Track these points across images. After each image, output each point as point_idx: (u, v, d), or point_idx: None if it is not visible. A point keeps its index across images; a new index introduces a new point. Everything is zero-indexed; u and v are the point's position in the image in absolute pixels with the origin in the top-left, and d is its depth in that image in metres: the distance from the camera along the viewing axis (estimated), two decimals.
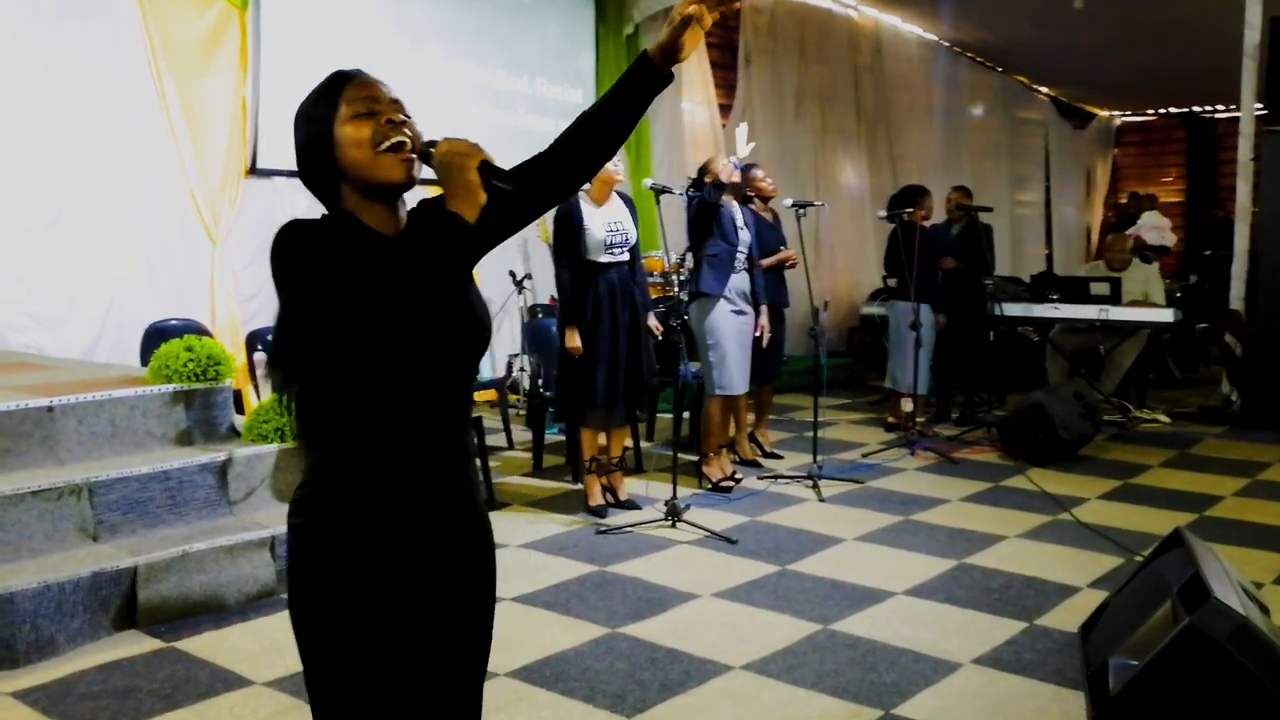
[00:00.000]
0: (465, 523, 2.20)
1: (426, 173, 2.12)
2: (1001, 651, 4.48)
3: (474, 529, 2.23)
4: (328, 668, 2.10)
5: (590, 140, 2.26)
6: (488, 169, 2.03)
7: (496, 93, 9.94)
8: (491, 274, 9.59)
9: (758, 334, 7.23)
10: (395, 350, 2.01)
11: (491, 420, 8.72)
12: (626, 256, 6.43)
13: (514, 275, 9.33)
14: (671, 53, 2.18)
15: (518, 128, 10.01)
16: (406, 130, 2.09)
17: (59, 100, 7.17)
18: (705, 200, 6.87)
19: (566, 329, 6.32)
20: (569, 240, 6.31)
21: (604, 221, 6.31)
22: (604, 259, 6.32)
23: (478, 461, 2.36)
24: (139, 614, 4.61)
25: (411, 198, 2.20)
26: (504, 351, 9.74)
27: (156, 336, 6.43)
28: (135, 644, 4.45)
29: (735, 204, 7.16)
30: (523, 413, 8.85)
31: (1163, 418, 9.84)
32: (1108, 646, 3.97)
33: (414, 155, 2.09)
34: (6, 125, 6.95)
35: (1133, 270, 10.07)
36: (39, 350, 7.06)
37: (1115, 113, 19.51)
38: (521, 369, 9.23)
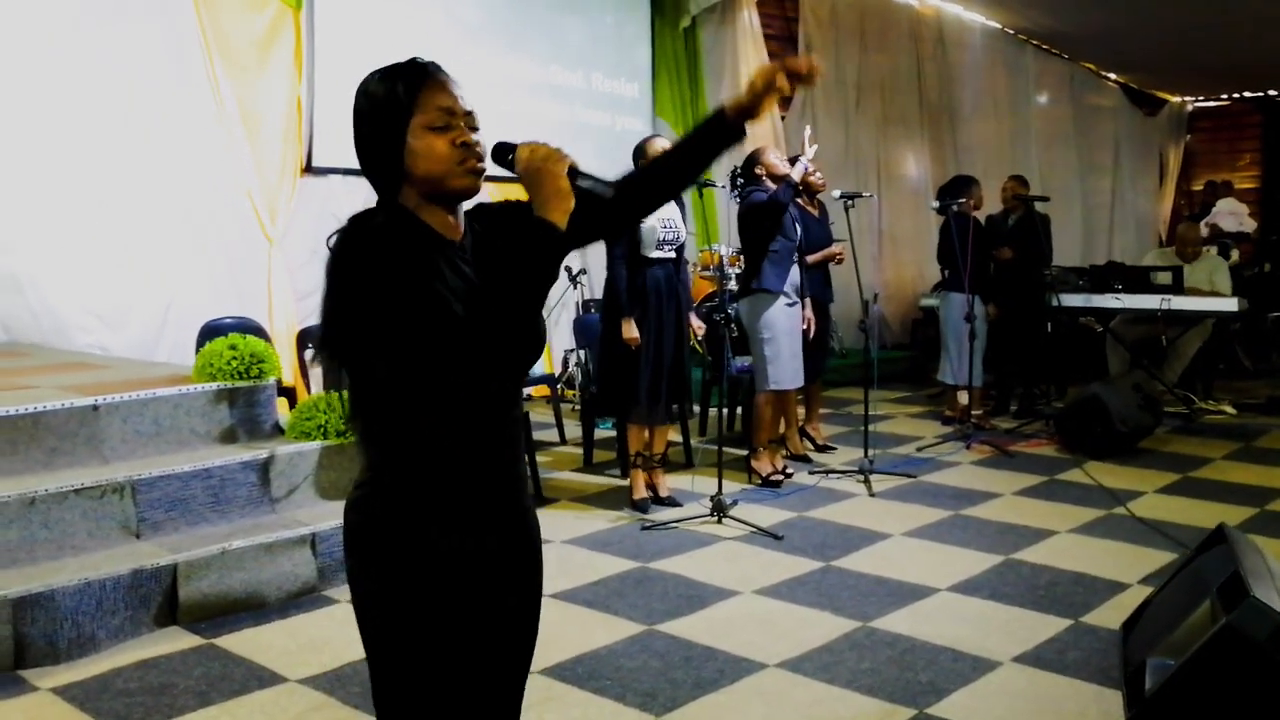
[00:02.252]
0: (518, 520, 2.22)
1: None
2: (1044, 650, 4.40)
3: (525, 527, 2.26)
4: (392, 663, 2.11)
5: (656, 187, 2.35)
6: (575, 173, 2.05)
7: (552, 88, 9.95)
8: None
9: (804, 327, 7.15)
10: (459, 357, 1.99)
11: (544, 415, 8.74)
12: (674, 254, 6.42)
13: (569, 270, 9.33)
14: (748, 112, 2.24)
15: (575, 122, 10.03)
16: (480, 149, 2.09)
17: (118, 101, 7.28)
18: (779, 200, 6.83)
19: (624, 321, 6.31)
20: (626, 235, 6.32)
21: (659, 217, 6.29)
22: (655, 255, 6.32)
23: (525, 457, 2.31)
24: (180, 611, 4.64)
25: None
26: (560, 346, 9.75)
27: (211, 335, 6.44)
28: (175, 641, 4.48)
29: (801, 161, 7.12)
30: (576, 408, 8.83)
31: (1229, 409, 9.65)
32: (1147, 645, 3.88)
33: (483, 167, 2.10)
34: (68, 126, 7.07)
35: (1201, 260, 9.87)
36: (103, 349, 7.18)
37: (1187, 98, 19.12)
38: (576, 364, 9.23)
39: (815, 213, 7.91)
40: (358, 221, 2.03)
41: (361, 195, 2.16)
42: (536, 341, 2.09)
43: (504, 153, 2.12)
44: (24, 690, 4.02)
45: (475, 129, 2.09)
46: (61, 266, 7.12)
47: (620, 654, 4.39)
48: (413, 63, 2.11)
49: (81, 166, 7.13)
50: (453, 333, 1.95)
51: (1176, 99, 18.91)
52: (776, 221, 6.89)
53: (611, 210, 2.27)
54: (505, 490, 2.18)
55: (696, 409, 8.38)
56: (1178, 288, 9.18)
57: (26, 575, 4.34)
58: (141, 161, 7.39)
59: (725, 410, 8.26)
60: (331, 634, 4.45)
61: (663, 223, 6.31)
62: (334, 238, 2.01)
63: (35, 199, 6.99)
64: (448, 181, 2.07)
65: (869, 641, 4.50)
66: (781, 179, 6.97)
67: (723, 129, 2.25)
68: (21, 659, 4.19)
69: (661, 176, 2.35)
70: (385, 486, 2.09)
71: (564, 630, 4.59)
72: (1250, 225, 15.09)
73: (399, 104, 2.06)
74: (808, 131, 7.31)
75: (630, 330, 6.29)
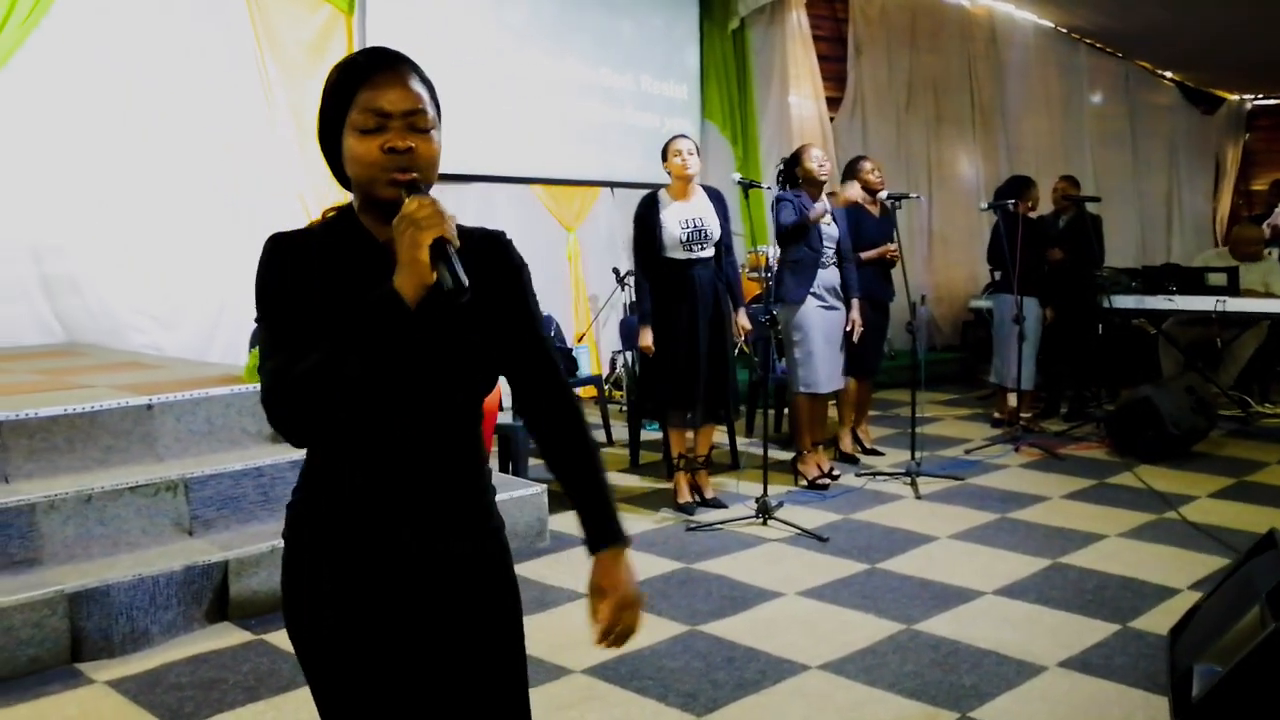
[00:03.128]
0: (470, 539, 2.12)
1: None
2: (1090, 655, 4.37)
3: (481, 546, 2.15)
4: (324, 682, 2.06)
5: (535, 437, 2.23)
6: (441, 249, 1.85)
7: (602, 89, 9.97)
8: (595, 270, 9.67)
9: (848, 329, 7.10)
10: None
11: (591, 417, 8.75)
12: (708, 253, 6.36)
13: (617, 272, 9.36)
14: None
15: (625, 124, 10.08)
16: (413, 160, 1.94)
17: (173, 104, 7.38)
18: (802, 227, 6.80)
19: (640, 328, 6.36)
20: (644, 238, 6.37)
21: (681, 218, 6.28)
22: (683, 256, 6.30)
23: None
24: (230, 607, 4.70)
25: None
26: (607, 348, 9.78)
27: None
28: (226, 636, 4.55)
29: (825, 198, 7.07)
30: (624, 409, 8.86)
31: None
32: (1194, 651, 3.84)
33: (415, 179, 1.94)
34: (124, 129, 7.18)
35: (1259, 261, 9.74)
36: (157, 349, 7.28)
37: (1246, 96, 18.85)
38: (623, 366, 9.26)
39: (875, 211, 7.85)
40: (277, 239, 2.00)
41: None
42: (464, 374, 2.02)
43: (412, 186, 1.95)
44: (80, 683, 4.10)
45: (422, 130, 1.95)
46: (117, 268, 7.23)
47: (663, 654, 4.40)
48: (367, 53, 2.01)
49: (136, 169, 7.23)
50: (267, 363, 1.91)
51: (1234, 97, 18.64)
52: (800, 234, 6.87)
53: (526, 415, 2.20)
54: (452, 508, 2.07)
55: (743, 409, 8.39)
56: (1233, 289, 9.06)
57: (83, 571, 4.43)
58: (196, 163, 7.48)
59: (770, 411, 8.25)
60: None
61: (683, 223, 6.28)
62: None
63: (92, 202, 7.09)
64: (374, 190, 1.95)
65: (912, 644, 4.49)
66: (818, 185, 7.00)
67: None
68: (78, 652, 4.28)
69: (543, 451, 2.22)
70: (315, 501, 2.05)
71: None
72: None
73: (338, 98, 1.97)
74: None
75: (644, 338, 6.34)
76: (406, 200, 1.88)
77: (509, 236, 2.17)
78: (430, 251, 1.83)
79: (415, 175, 1.94)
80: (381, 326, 1.83)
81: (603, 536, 2.12)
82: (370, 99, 1.93)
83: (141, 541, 4.76)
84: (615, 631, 2.10)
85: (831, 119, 11.86)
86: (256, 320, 1.98)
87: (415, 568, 2.04)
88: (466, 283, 1.84)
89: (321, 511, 2.03)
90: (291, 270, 1.95)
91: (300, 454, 2.05)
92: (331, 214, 2.06)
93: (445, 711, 2.11)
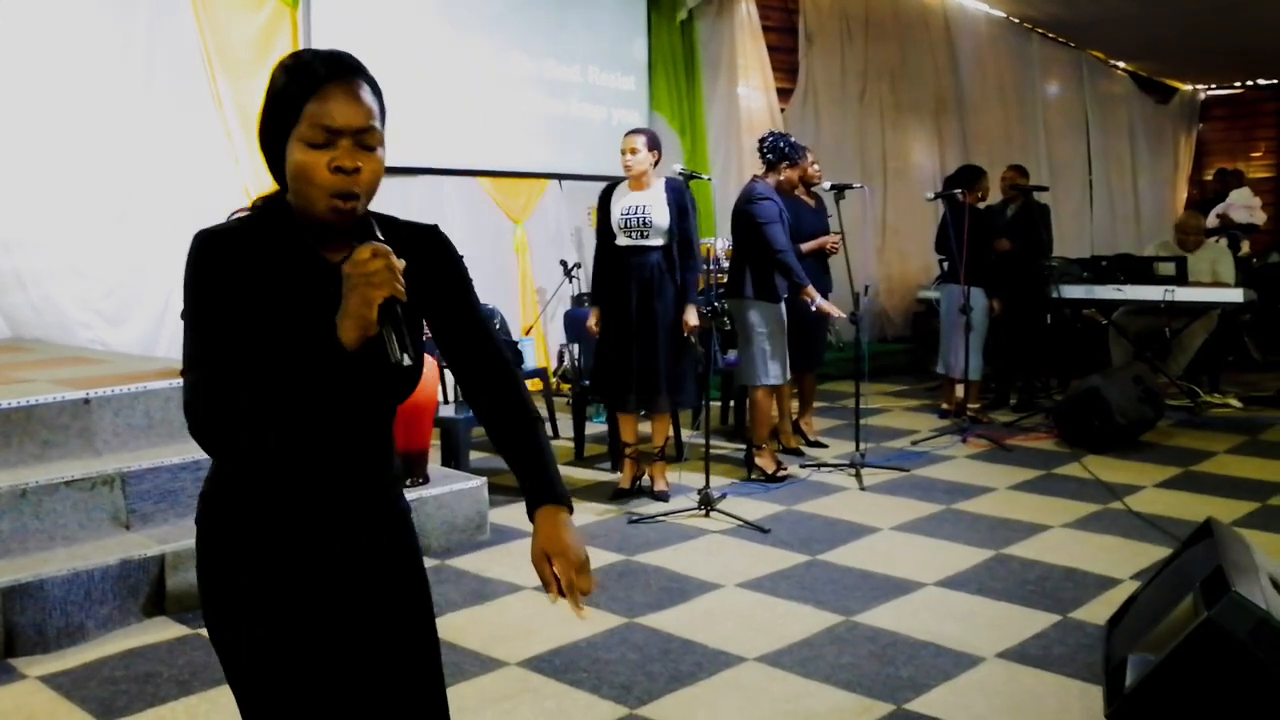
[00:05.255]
0: (378, 527, 2.11)
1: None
2: (1029, 646, 4.38)
3: (390, 533, 2.14)
4: (241, 674, 2.05)
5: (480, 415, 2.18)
6: (390, 311, 1.85)
7: (549, 81, 9.92)
8: (543, 262, 9.63)
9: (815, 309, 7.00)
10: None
11: (539, 409, 8.72)
12: (652, 242, 6.36)
13: (565, 264, 9.34)
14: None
15: (572, 116, 10.04)
16: (359, 182, 1.90)
17: (118, 98, 7.33)
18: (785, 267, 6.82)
19: (591, 309, 6.51)
20: (599, 223, 6.51)
21: (624, 206, 6.34)
22: (624, 243, 6.36)
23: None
24: (167, 601, 4.68)
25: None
26: (555, 341, 9.76)
27: None
28: (162, 630, 4.52)
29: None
30: (570, 401, 8.84)
31: (1234, 402, 9.58)
32: (1129, 641, 3.86)
33: (356, 206, 1.91)
34: (70, 124, 7.12)
35: (1203, 249, 9.80)
36: (103, 344, 7.26)
37: (1199, 86, 19.00)
38: (572, 358, 9.23)
39: (811, 203, 7.87)
40: (206, 236, 1.93)
41: None
42: (387, 382, 1.99)
43: (363, 221, 1.95)
44: (12, 678, 4.07)
45: (369, 148, 1.91)
46: (63, 264, 7.17)
47: (599, 646, 4.39)
48: (322, 60, 1.92)
49: (82, 165, 7.18)
50: (191, 373, 1.87)
51: (1188, 87, 18.79)
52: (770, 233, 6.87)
53: (470, 396, 2.17)
54: (362, 496, 2.08)
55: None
56: (1181, 279, 9.12)
57: (17, 565, 4.40)
58: (142, 159, 7.42)
59: (716, 404, 8.24)
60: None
61: (625, 210, 6.34)
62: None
63: (37, 198, 7.03)
64: (313, 206, 1.91)
65: (850, 636, 4.49)
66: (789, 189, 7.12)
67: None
68: (11, 647, 4.25)
69: (488, 428, 2.17)
70: (227, 489, 2.02)
71: (544, 622, 4.59)
72: (1262, 218, 14.96)
73: (286, 104, 1.90)
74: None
75: (591, 319, 6.53)
76: (359, 249, 1.84)
77: (446, 229, 2.16)
78: (379, 311, 1.83)
79: (356, 203, 1.90)
80: (317, 370, 1.84)
81: (544, 495, 2.06)
82: (320, 113, 1.87)
83: (78, 536, 4.73)
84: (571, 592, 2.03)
85: (783, 110, 11.84)
86: (182, 317, 1.92)
87: (328, 559, 2.03)
88: (407, 360, 1.85)
89: (234, 503, 2.01)
90: (222, 273, 1.90)
91: None
92: (259, 203, 2.01)
93: (361, 701, 2.09)
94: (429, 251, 2.09)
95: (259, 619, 2.00)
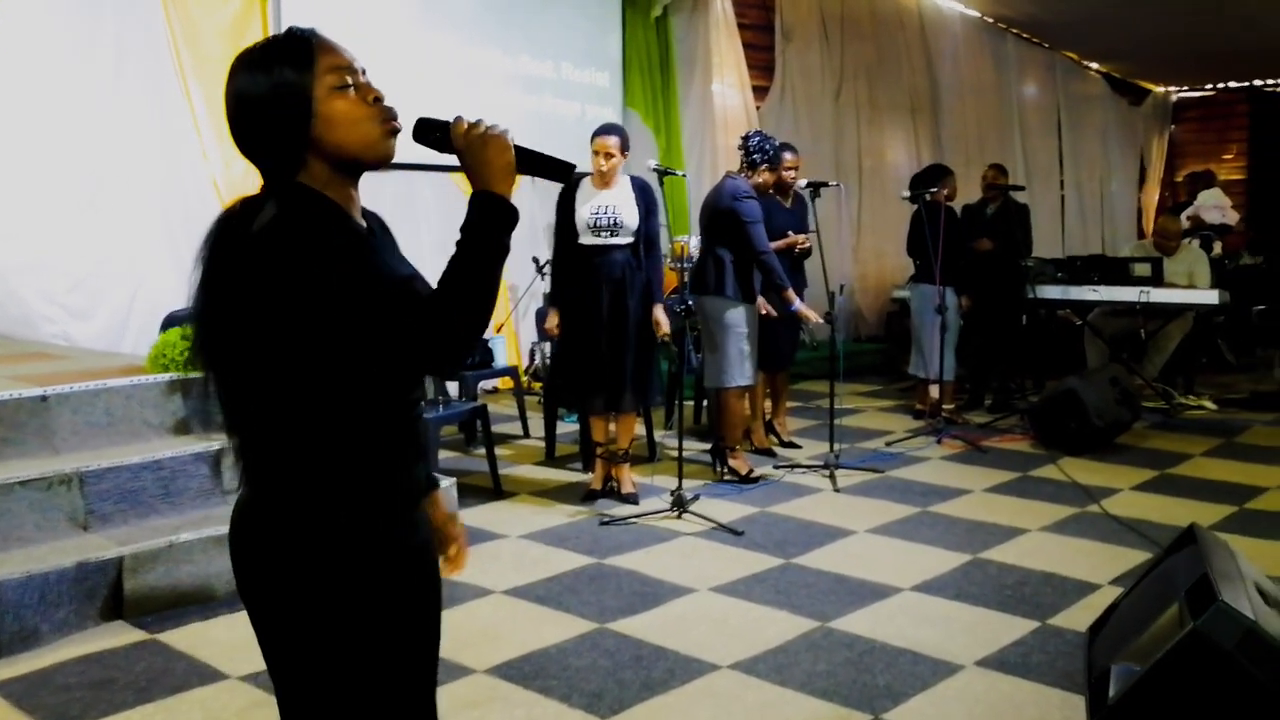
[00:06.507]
0: (425, 519, 2.18)
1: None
2: (1008, 653, 4.30)
3: (429, 526, 2.21)
4: (353, 673, 2.00)
5: None
6: (525, 151, 2.00)
7: (522, 78, 9.85)
8: (514, 259, 9.51)
9: (764, 313, 7.05)
10: (412, 343, 1.88)
11: (508, 407, 8.67)
12: (620, 241, 6.26)
13: (537, 261, 9.24)
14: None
15: (545, 112, 9.97)
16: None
17: (85, 91, 7.26)
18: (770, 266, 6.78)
19: (549, 309, 6.42)
20: (560, 223, 6.38)
21: (593, 205, 6.24)
22: (591, 242, 6.23)
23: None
24: (126, 605, 4.57)
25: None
26: (527, 339, 9.67)
27: (175, 325, 6.38)
28: (120, 635, 4.42)
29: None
30: (542, 400, 8.75)
31: (1209, 404, 9.54)
32: (1112, 650, 3.78)
33: (400, 126, 2.00)
34: (34, 117, 7.04)
35: (1180, 253, 9.78)
36: (68, 339, 7.18)
37: (1172, 88, 19.04)
38: (540, 356, 9.15)
39: (786, 203, 7.79)
40: (250, 207, 1.89)
41: None
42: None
43: (430, 129, 2.00)
44: None
45: (382, 95, 2.02)
46: (26, 257, 7.07)
47: (569, 652, 4.29)
48: (285, 35, 2.01)
49: (47, 156, 7.10)
50: (405, 318, 1.84)
51: (1160, 89, 18.82)
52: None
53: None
54: (418, 483, 2.13)
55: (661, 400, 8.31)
56: (1157, 280, 9.09)
57: None
58: (111, 152, 7.36)
59: (689, 404, 8.17)
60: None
61: (594, 209, 6.23)
62: (220, 225, 1.91)
63: (0, 189, 6.94)
64: (369, 145, 1.97)
65: (826, 642, 4.40)
66: (764, 190, 7.04)
67: None
68: None
69: None
70: (300, 497, 1.94)
71: (513, 628, 4.51)
72: (1234, 218, 15.00)
73: (299, 71, 1.94)
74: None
75: (550, 319, 6.41)
76: (455, 123, 1.97)
77: (419, 225, 2.32)
78: (517, 154, 1.97)
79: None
80: (497, 228, 1.91)
81: None
82: (333, 60, 1.96)
83: (34, 537, 4.61)
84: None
85: (758, 107, 11.79)
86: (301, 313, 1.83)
87: (423, 550, 2.13)
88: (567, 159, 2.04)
89: (346, 504, 1.96)
90: (337, 244, 1.89)
91: (204, 447, 2.00)
92: (280, 196, 1.94)
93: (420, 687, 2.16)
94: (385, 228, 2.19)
95: (378, 627, 2.00)
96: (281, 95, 1.92)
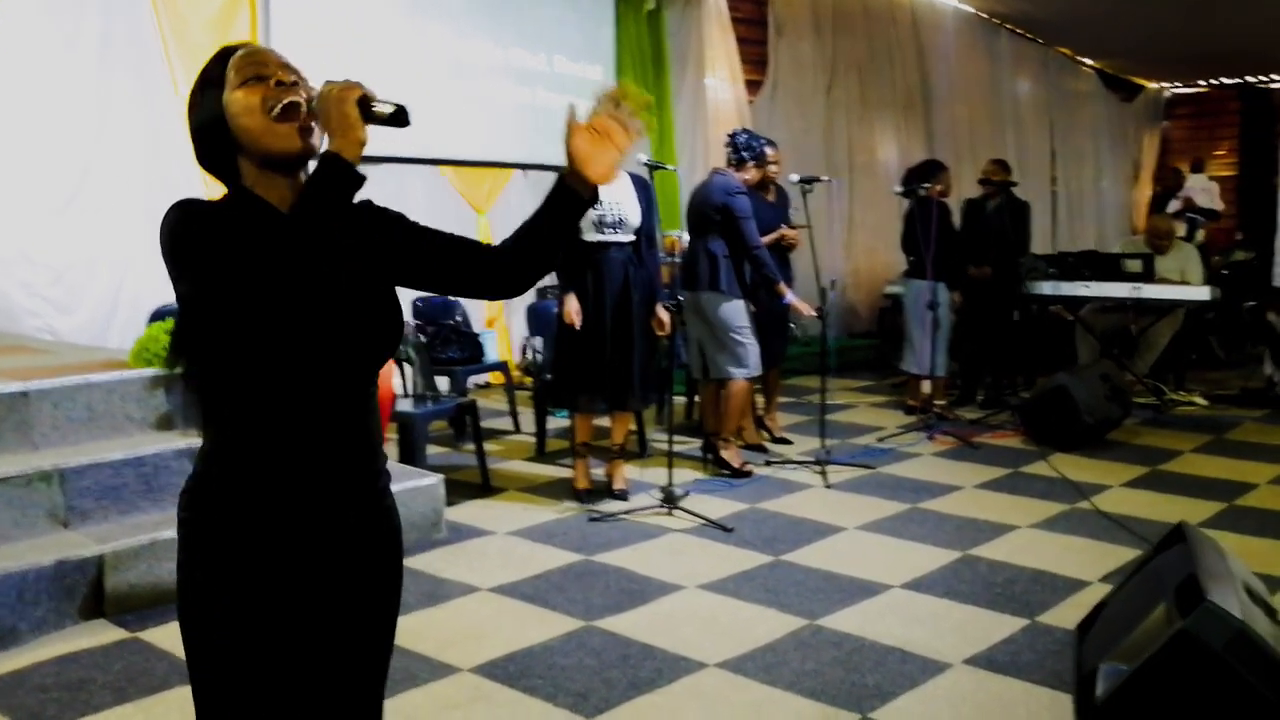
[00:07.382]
0: (369, 520, 2.14)
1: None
2: (997, 651, 4.27)
3: (378, 527, 2.17)
4: (214, 668, 2.04)
5: (532, 259, 2.20)
6: (367, 103, 1.93)
7: (514, 70, 9.79)
8: None
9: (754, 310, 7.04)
10: (285, 336, 1.94)
11: (499, 403, 8.62)
12: (624, 238, 6.19)
13: None
14: (581, 179, 2.13)
15: (537, 106, 9.88)
16: (300, 92, 2.00)
17: (71, 83, 7.20)
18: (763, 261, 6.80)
19: (563, 296, 6.22)
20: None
21: (600, 198, 6.11)
22: (594, 238, 6.13)
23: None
24: (106, 603, 4.52)
25: None
26: (518, 334, 9.62)
27: (161, 320, 6.34)
28: (99, 634, 4.36)
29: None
30: (533, 396, 8.71)
31: (1200, 400, 9.51)
32: (1100, 649, 3.74)
33: (311, 121, 1.99)
34: (20, 110, 6.98)
35: (1173, 252, 9.74)
36: (52, 333, 7.12)
37: (1164, 85, 19.03)
38: (532, 351, 9.10)
39: (770, 198, 7.75)
40: (183, 203, 1.96)
41: None
42: (371, 329, 2.06)
43: (366, 109, 1.99)
44: None
45: (295, 76, 2.03)
46: (9, 250, 7.01)
47: (555, 651, 4.25)
48: (222, 48, 2.07)
49: (37, 149, 7.05)
50: (252, 287, 1.85)
51: (1153, 85, 18.81)
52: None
53: (499, 270, 2.20)
54: (355, 488, 2.10)
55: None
56: (1148, 276, 9.06)
57: None
58: (94, 144, 7.30)
59: (681, 399, 8.13)
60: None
61: (603, 204, 6.13)
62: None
63: None
64: (271, 139, 1.99)
65: (814, 641, 4.36)
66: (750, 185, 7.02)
67: (569, 196, 2.15)
68: None
69: (524, 254, 2.19)
70: (216, 480, 2.03)
71: (498, 626, 4.47)
72: (1221, 204, 15.01)
73: (214, 77, 2.03)
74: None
75: (570, 303, 6.13)
76: (320, 89, 1.95)
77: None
78: (358, 107, 1.91)
79: (299, 111, 1.99)
80: (325, 186, 1.87)
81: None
82: (244, 60, 2.01)
83: (12, 534, 4.55)
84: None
85: (751, 102, 11.74)
86: (183, 278, 1.92)
87: (314, 552, 2.05)
88: (391, 108, 1.96)
89: (222, 492, 2.01)
90: (213, 231, 1.92)
91: (187, 443, 2.03)
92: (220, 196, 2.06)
93: (306, 694, 2.11)
94: (371, 216, 2.18)
95: (239, 610, 2.00)
96: (202, 102, 2.04)
